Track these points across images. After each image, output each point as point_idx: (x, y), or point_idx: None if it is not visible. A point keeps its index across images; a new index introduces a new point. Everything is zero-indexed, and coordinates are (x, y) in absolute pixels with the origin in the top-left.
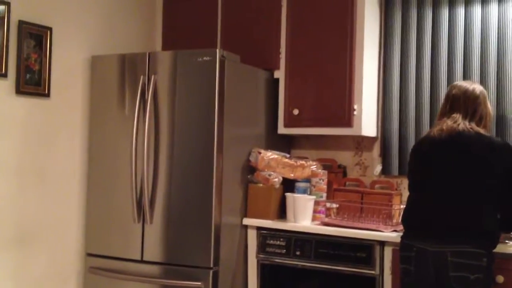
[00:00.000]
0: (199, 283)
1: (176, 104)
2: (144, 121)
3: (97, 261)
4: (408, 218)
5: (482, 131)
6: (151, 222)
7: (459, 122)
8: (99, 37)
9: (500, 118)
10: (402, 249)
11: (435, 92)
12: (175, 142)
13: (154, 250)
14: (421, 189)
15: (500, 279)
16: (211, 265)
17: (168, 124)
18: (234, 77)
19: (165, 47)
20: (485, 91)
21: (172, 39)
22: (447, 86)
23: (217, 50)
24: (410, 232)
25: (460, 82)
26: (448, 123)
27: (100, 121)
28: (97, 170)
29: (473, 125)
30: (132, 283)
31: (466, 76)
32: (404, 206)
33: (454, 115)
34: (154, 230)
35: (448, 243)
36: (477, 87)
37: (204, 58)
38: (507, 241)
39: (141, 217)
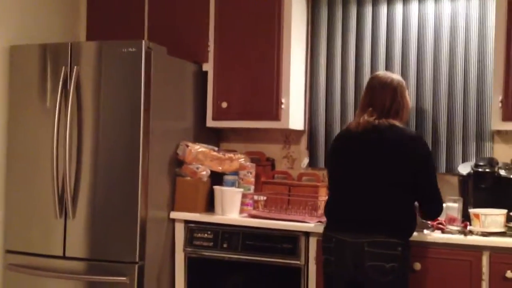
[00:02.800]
0: (124, 278)
1: (100, 97)
2: (66, 114)
3: (17, 258)
4: (329, 211)
5: (397, 123)
6: (73, 217)
7: (375, 116)
8: (19, 26)
9: (420, 111)
10: (324, 240)
11: (360, 87)
12: (99, 136)
13: (77, 245)
14: (340, 183)
15: (417, 266)
16: (137, 260)
17: (92, 117)
18: (160, 69)
19: (90, 37)
20: (403, 82)
21: (98, 29)
22: None
23: (143, 42)
24: (331, 224)
25: (380, 73)
26: (365, 117)
27: (20, 114)
28: (17, 164)
29: (390, 118)
30: (54, 280)
31: (388, 70)
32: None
33: (371, 108)
34: (77, 225)
35: (364, 234)
36: (395, 78)
37: (129, 49)
38: (423, 230)
39: (63, 212)
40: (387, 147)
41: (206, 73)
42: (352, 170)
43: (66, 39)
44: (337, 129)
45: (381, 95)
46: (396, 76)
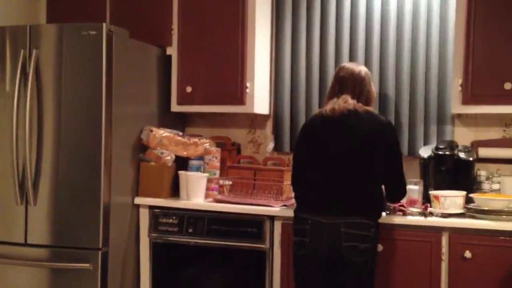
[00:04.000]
0: (88, 265)
1: (61, 81)
2: (26, 99)
3: None
4: (302, 193)
5: (370, 109)
6: (35, 204)
7: (350, 102)
8: None
9: (382, 96)
10: (297, 223)
11: (324, 72)
12: (61, 121)
13: (39, 232)
14: (314, 165)
15: (379, 247)
16: (100, 246)
17: (53, 101)
18: (123, 53)
19: (50, 20)
20: (369, 73)
21: (58, 12)
22: (335, 67)
23: (104, 24)
24: (305, 206)
25: (347, 64)
26: (340, 102)
27: None
28: None
29: (361, 104)
30: (16, 268)
31: (352, 56)
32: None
33: (344, 96)
34: (39, 212)
35: (340, 215)
36: (363, 69)
37: (90, 32)
38: (387, 212)
39: (24, 198)
40: (363, 132)
41: (170, 57)
42: (328, 153)
43: (26, 21)
44: (302, 114)
45: (351, 84)
46: (362, 67)
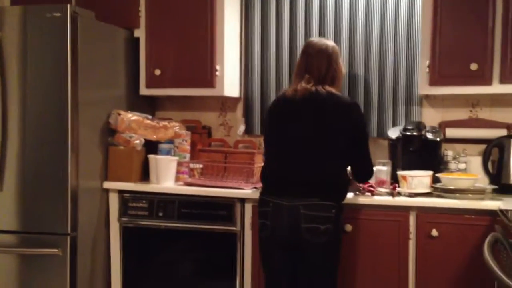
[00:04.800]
0: (56, 250)
1: (26, 64)
2: None
3: None
4: (266, 175)
5: (334, 90)
6: (1, 190)
7: (312, 83)
8: None
9: (352, 77)
10: (260, 205)
11: (294, 54)
12: (26, 104)
13: (6, 218)
14: (277, 147)
15: (348, 227)
16: (69, 231)
17: (17, 85)
18: (88, 35)
19: (14, 1)
20: (337, 48)
21: None
22: None
23: (69, 6)
24: (268, 188)
25: (314, 40)
26: (302, 84)
27: None
28: None
29: (326, 85)
30: None
31: (322, 36)
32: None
33: (308, 75)
34: (6, 198)
35: (300, 197)
36: (330, 45)
37: (54, 14)
38: (357, 193)
39: None
40: (326, 114)
41: (138, 39)
42: (289, 135)
43: None
44: (273, 96)
45: (317, 62)
46: (330, 42)
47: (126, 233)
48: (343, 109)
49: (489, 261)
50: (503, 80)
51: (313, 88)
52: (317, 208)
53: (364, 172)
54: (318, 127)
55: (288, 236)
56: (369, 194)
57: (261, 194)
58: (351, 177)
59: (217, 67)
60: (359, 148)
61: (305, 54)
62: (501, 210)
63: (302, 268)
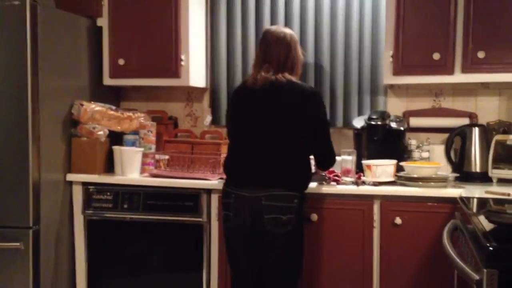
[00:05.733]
0: (18, 244)
1: None
2: None
3: None
4: (228, 166)
5: (294, 79)
6: None
7: (272, 71)
8: None
9: (318, 66)
10: (224, 197)
11: None
12: None
13: None
14: (238, 137)
15: (314, 217)
16: (31, 225)
17: None
18: (49, 24)
19: None
20: (295, 36)
21: None
22: None
23: None
24: (231, 179)
25: (272, 28)
26: (262, 73)
27: None
28: None
29: (286, 73)
30: None
31: (287, 26)
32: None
33: (267, 64)
34: None
35: (262, 188)
36: (288, 32)
37: (13, 1)
38: (322, 182)
39: None
40: (287, 103)
41: (101, 28)
42: (250, 125)
43: None
44: None
45: (275, 50)
46: (288, 30)
47: (91, 226)
48: (304, 98)
49: (447, 247)
50: (465, 70)
51: (273, 77)
52: (279, 199)
53: (327, 160)
54: (278, 116)
55: (251, 227)
56: (334, 183)
57: (224, 185)
58: (314, 166)
59: (182, 57)
60: (321, 136)
61: (263, 42)
62: (461, 198)
63: (266, 259)
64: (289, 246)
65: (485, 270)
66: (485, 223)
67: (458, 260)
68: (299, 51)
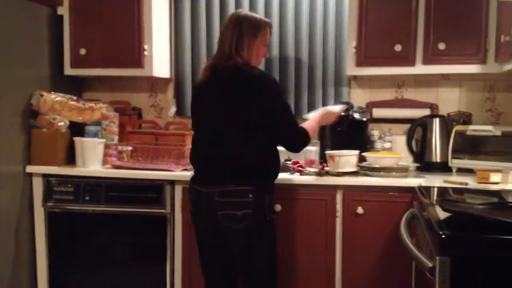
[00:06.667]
0: None
1: None
2: None
3: None
4: (191, 161)
5: (240, 64)
6: None
7: (219, 59)
8: None
9: (282, 58)
10: (188, 192)
11: None
12: None
13: None
14: (196, 130)
15: (277, 207)
16: None
17: None
18: (7, 12)
19: None
20: (250, 18)
21: None
22: None
23: None
24: (194, 174)
25: (238, 11)
26: (211, 61)
27: None
28: None
29: (232, 59)
30: None
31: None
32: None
33: (217, 52)
34: None
35: (216, 184)
36: (237, 14)
37: None
38: (286, 173)
39: None
40: (236, 90)
41: (61, 17)
42: (205, 115)
43: None
44: None
45: (223, 35)
46: (241, 12)
47: (52, 219)
48: (251, 84)
49: (403, 235)
50: (426, 61)
51: (220, 64)
52: (231, 194)
53: (292, 141)
54: (228, 105)
55: (209, 223)
56: (298, 174)
57: (190, 179)
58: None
59: (145, 47)
60: (279, 119)
61: (224, 23)
62: (419, 187)
63: (234, 254)
64: (253, 240)
65: (437, 258)
66: (440, 212)
67: (413, 248)
68: (250, 36)
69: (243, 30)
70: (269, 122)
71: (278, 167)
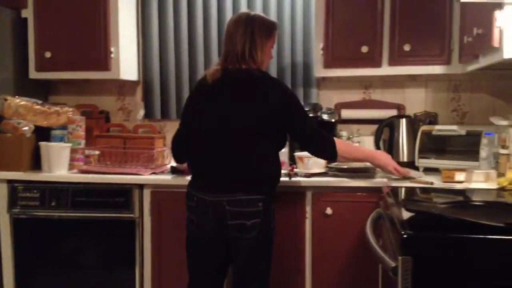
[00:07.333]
0: None
1: None
2: None
3: None
4: (191, 167)
5: (252, 70)
6: None
7: (229, 62)
8: None
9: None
10: (187, 198)
11: (193, 34)
12: None
13: None
14: (199, 137)
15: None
16: None
17: None
18: None
19: None
20: (260, 19)
21: None
22: (204, 30)
23: None
24: (194, 181)
25: (234, 15)
26: (217, 66)
27: None
28: None
29: (244, 64)
30: None
31: (220, 20)
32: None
33: (224, 56)
34: None
35: (224, 192)
36: (246, 16)
37: None
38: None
39: None
40: (245, 95)
41: (26, 20)
42: (210, 123)
43: None
44: (172, 80)
45: (232, 39)
46: (249, 12)
47: (18, 225)
48: (264, 92)
49: (368, 235)
50: (392, 62)
51: (233, 67)
52: (242, 204)
53: (320, 148)
54: (237, 111)
55: (216, 232)
56: None
57: (188, 186)
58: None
59: (112, 49)
60: (297, 127)
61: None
62: (385, 187)
63: (235, 262)
64: (257, 249)
65: (400, 257)
66: (403, 212)
67: (376, 248)
68: (262, 38)
69: (256, 31)
70: (290, 128)
71: (280, 174)
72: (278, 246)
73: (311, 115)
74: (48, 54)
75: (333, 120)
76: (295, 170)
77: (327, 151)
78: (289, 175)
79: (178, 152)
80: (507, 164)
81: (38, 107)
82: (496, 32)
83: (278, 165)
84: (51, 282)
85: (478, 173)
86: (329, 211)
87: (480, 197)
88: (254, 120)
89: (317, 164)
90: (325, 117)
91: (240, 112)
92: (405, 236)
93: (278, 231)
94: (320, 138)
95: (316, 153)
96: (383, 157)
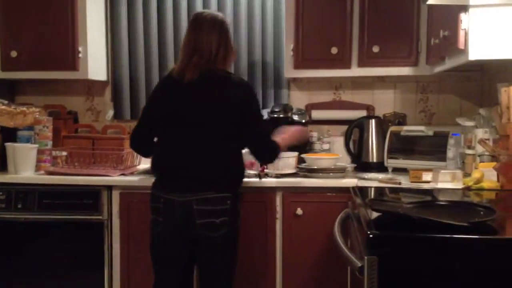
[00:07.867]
0: None
1: None
2: None
3: None
4: (156, 168)
5: (223, 71)
6: None
7: (202, 63)
8: None
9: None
10: (152, 200)
11: (163, 35)
12: None
13: None
14: (164, 137)
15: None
16: None
17: None
18: None
19: None
20: (227, 23)
21: None
22: (174, 31)
23: None
24: (158, 181)
25: (205, 12)
26: (190, 65)
27: None
28: None
29: (216, 65)
30: None
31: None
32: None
33: (197, 55)
34: None
35: (192, 192)
36: (221, 19)
37: None
38: (248, 172)
39: None
40: (212, 95)
41: None
42: (177, 123)
43: None
44: (142, 79)
45: (207, 39)
46: (221, 15)
47: None
48: (229, 89)
49: (335, 236)
50: (361, 64)
51: (203, 70)
52: (211, 202)
53: (263, 152)
54: (206, 111)
55: (183, 232)
56: None
57: (152, 187)
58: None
59: (80, 49)
60: (254, 131)
61: (195, 28)
62: (354, 187)
63: (202, 260)
64: (225, 247)
65: (365, 257)
66: (370, 212)
67: (343, 248)
68: (231, 41)
69: (227, 34)
70: (247, 130)
71: (244, 173)
72: (248, 246)
73: (281, 116)
74: (14, 53)
75: (303, 121)
76: (265, 170)
77: (269, 160)
78: (259, 175)
79: (144, 146)
80: (472, 164)
81: (4, 107)
82: (461, 34)
83: (242, 164)
84: (18, 285)
85: (445, 173)
86: (299, 211)
87: (446, 196)
88: (220, 121)
89: (287, 164)
90: (295, 117)
91: (211, 113)
92: (370, 236)
93: (249, 232)
94: (269, 148)
95: (260, 160)
96: (283, 143)
